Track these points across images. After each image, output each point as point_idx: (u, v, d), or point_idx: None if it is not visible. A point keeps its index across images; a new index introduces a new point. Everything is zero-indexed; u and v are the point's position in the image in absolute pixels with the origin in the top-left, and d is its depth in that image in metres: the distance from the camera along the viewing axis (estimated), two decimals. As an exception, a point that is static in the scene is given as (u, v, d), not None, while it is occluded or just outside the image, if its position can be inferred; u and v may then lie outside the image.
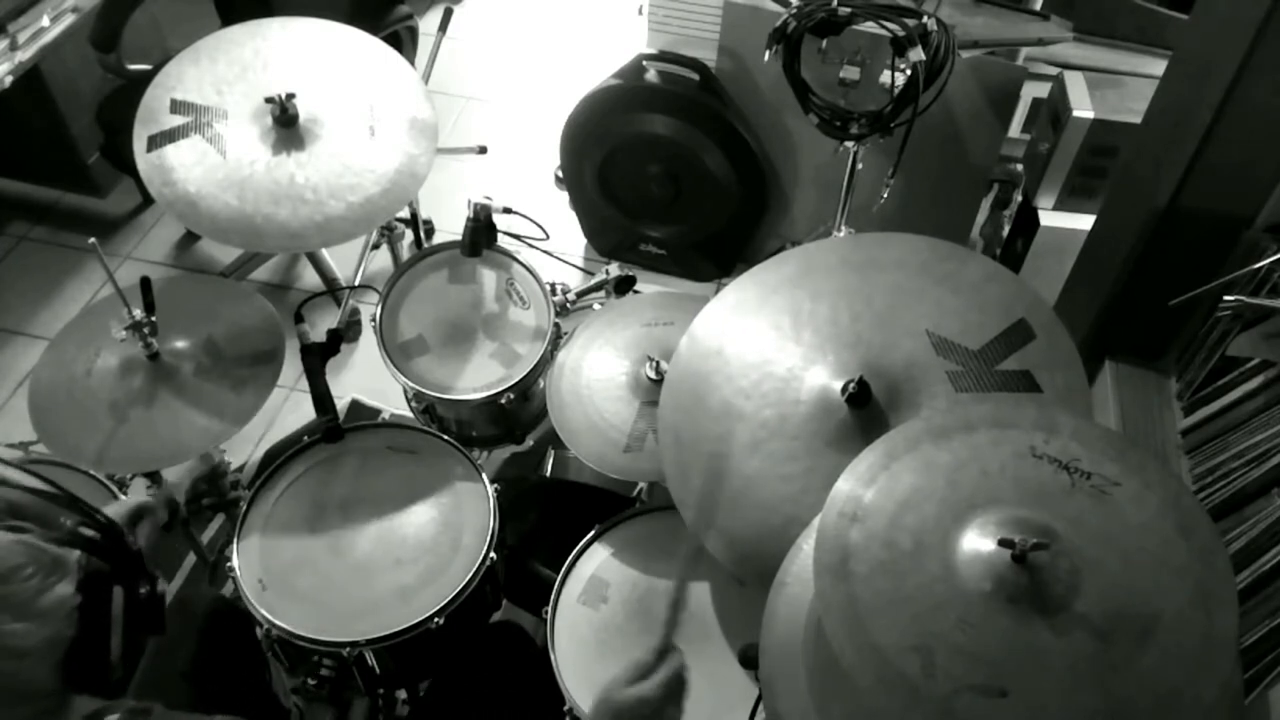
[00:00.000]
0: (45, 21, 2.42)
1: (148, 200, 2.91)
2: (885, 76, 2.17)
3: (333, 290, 2.61)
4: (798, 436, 1.20)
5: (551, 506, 1.87)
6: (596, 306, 1.83)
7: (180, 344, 1.57)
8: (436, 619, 1.42)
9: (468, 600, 1.45)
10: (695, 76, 2.47)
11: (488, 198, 1.78)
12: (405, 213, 2.24)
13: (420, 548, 1.51)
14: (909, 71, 1.87)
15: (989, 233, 2.68)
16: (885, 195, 2.15)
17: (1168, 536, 0.92)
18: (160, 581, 0.95)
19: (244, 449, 2.30)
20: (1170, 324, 1.85)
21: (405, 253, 2.47)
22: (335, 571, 1.48)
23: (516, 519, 1.67)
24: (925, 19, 1.88)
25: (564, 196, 2.87)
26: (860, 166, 2.16)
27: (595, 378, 1.63)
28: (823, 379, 1.22)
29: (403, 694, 1.67)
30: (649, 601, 1.46)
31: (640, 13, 2.57)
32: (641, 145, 2.56)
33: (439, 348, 1.77)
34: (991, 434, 1.00)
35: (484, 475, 1.58)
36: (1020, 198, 2.47)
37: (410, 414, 1.88)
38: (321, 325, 2.35)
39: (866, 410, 1.19)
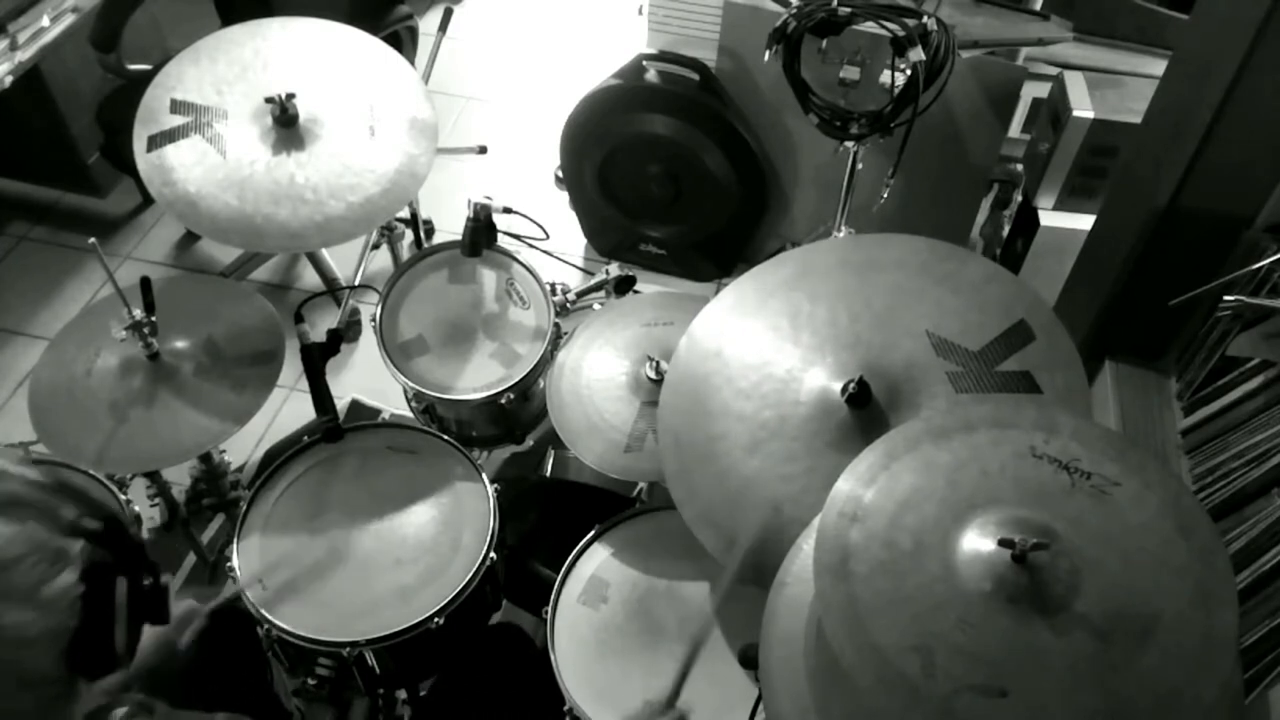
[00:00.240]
0: (45, 21, 2.42)
1: (148, 200, 2.91)
2: (885, 76, 2.16)
3: (333, 290, 2.61)
4: (798, 437, 1.21)
5: (551, 506, 1.87)
6: (596, 306, 1.83)
7: (180, 344, 1.57)
8: (436, 619, 1.42)
9: (468, 600, 1.45)
10: (695, 76, 2.47)
11: (488, 198, 1.78)
12: (405, 213, 2.24)
13: (420, 548, 1.51)
14: (909, 71, 1.87)
15: (989, 233, 2.68)
16: (885, 195, 2.15)
17: (1168, 536, 0.92)
18: (164, 575, 0.95)
19: (244, 449, 2.30)
20: (1170, 324, 1.85)
21: (405, 253, 2.47)
22: (335, 571, 1.48)
23: (516, 519, 1.67)
24: (925, 19, 1.88)
25: (564, 196, 2.86)
26: (860, 166, 2.16)
27: (595, 378, 1.63)
28: (822, 379, 1.22)
29: (403, 694, 1.67)
30: (649, 601, 1.46)
31: (640, 13, 2.57)
32: (641, 145, 2.56)
33: (439, 348, 1.77)
34: (991, 434, 1.00)
35: (484, 475, 1.58)
36: (1020, 198, 2.47)
37: (410, 414, 1.88)
38: (321, 325, 2.35)
39: (866, 411, 1.19)
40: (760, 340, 1.27)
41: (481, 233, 1.80)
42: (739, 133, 2.49)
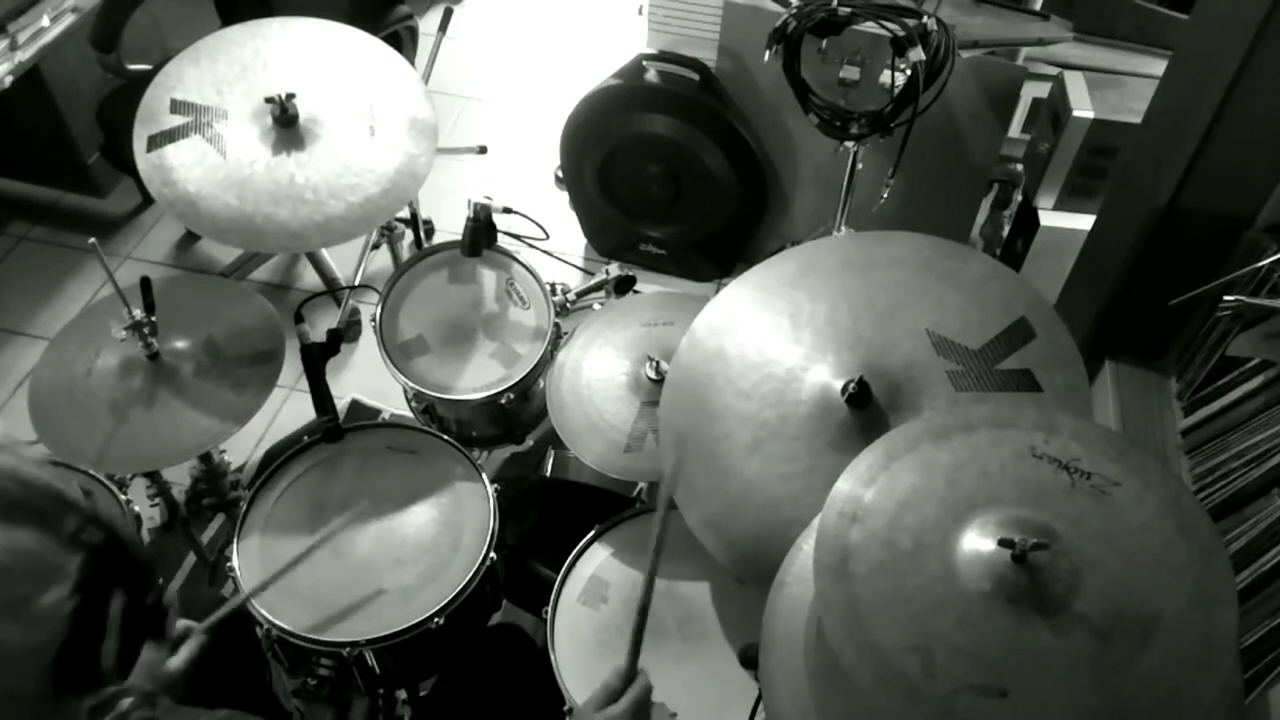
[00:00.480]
0: (45, 21, 2.42)
1: (148, 200, 2.91)
2: (885, 76, 2.16)
3: (333, 290, 2.61)
4: (798, 437, 1.20)
5: (551, 506, 1.87)
6: (596, 306, 1.83)
7: (180, 344, 1.57)
8: (436, 619, 1.42)
9: (468, 600, 1.45)
10: (695, 76, 2.47)
11: (488, 198, 1.78)
12: (405, 213, 2.24)
13: (420, 548, 1.50)
14: (909, 71, 1.87)
15: (989, 233, 2.69)
16: (885, 195, 2.15)
17: (1168, 536, 0.92)
18: (168, 593, 0.93)
19: (244, 449, 2.30)
20: (1170, 324, 1.85)
21: (405, 253, 2.47)
22: (335, 571, 1.48)
23: (516, 519, 1.67)
24: (925, 19, 1.88)
25: (564, 196, 2.87)
26: (860, 166, 2.16)
27: (595, 378, 1.63)
28: (823, 379, 1.22)
29: (403, 694, 1.67)
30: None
31: (640, 13, 2.57)
32: (641, 145, 2.56)
33: (439, 348, 1.77)
34: (992, 434, 1.00)
35: (484, 475, 1.58)
36: (1020, 198, 2.47)
37: (410, 414, 1.88)
38: (321, 325, 2.35)
39: (867, 410, 1.19)
40: (761, 340, 1.27)
41: (481, 233, 1.80)
42: (739, 133, 2.49)
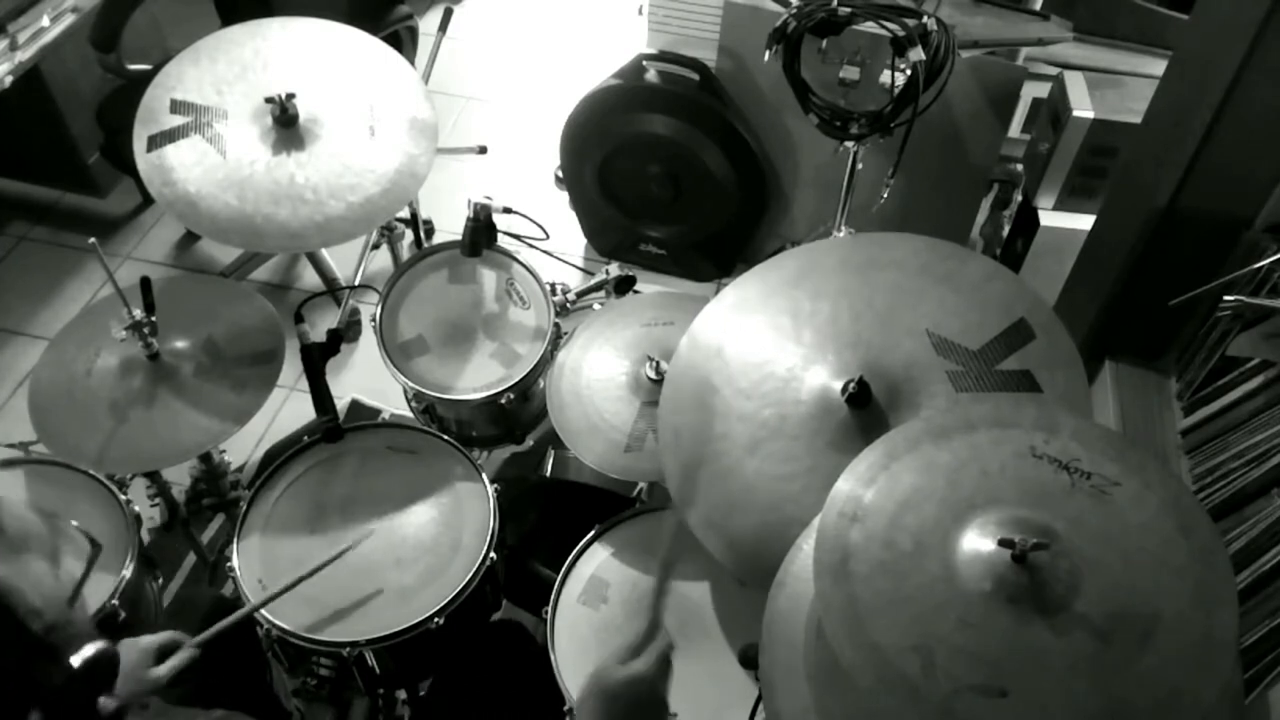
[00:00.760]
0: (45, 21, 2.42)
1: (148, 200, 2.91)
2: (885, 76, 2.17)
3: (333, 290, 2.61)
4: (798, 436, 1.20)
5: (551, 506, 1.87)
6: (596, 306, 1.83)
7: (180, 344, 1.57)
8: (436, 619, 1.42)
9: (468, 600, 1.45)
10: (695, 76, 2.47)
11: (488, 198, 1.78)
12: (405, 213, 2.24)
13: (420, 548, 1.50)
14: (909, 71, 1.87)
15: (989, 233, 2.69)
16: (885, 195, 2.15)
17: (1168, 536, 0.92)
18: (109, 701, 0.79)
19: (244, 449, 2.30)
20: (1170, 324, 1.85)
21: (405, 253, 2.47)
22: (335, 571, 1.47)
23: (516, 519, 1.67)
24: (925, 19, 1.88)
25: (564, 196, 2.86)
26: (860, 166, 2.16)
27: (595, 378, 1.63)
28: (823, 379, 1.22)
29: (403, 694, 1.67)
30: (649, 601, 1.45)
31: (640, 13, 2.57)
32: (641, 145, 2.56)
33: (439, 348, 1.77)
34: (992, 434, 1.00)
35: (484, 475, 1.58)
36: (1020, 198, 2.47)
37: (410, 414, 1.88)
38: (321, 325, 2.35)
39: (866, 410, 1.19)
40: (761, 340, 1.27)
41: (481, 233, 1.80)
42: (739, 133, 2.49)
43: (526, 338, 1.77)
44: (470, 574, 1.46)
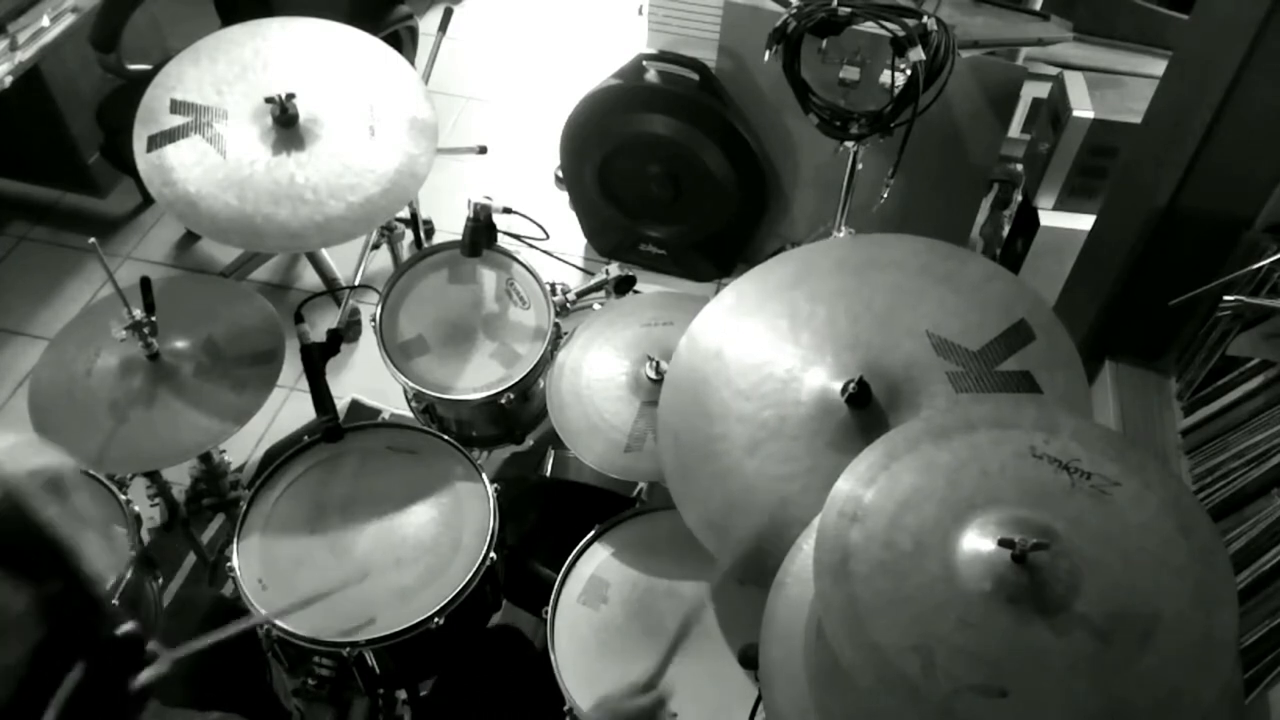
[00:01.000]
0: (45, 21, 2.42)
1: (148, 200, 2.91)
2: (885, 76, 2.17)
3: (333, 290, 2.61)
4: (798, 437, 1.20)
5: (551, 506, 1.87)
6: (596, 306, 1.83)
7: (180, 344, 1.57)
8: (436, 619, 1.42)
9: (468, 600, 1.45)
10: (695, 76, 2.47)
11: (488, 198, 1.78)
12: (405, 213, 2.24)
13: (420, 548, 1.50)
14: (909, 71, 1.87)
15: (989, 233, 2.69)
16: (885, 195, 2.15)
17: (1168, 536, 0.92)
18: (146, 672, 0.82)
19: (244, 449, 2.30)
20: (1170, 324, 1.85)
21: (405, 253, 2.47)
22: (335, 571, 1.48)
23: (516, 519, 1.67)
24: (925, 19, 1.88)
25: (564, 196, 2.86)
26: (860, 166, 2.16)
27: (595, 378, 1.63)
28: (822, 379, 1.22)
29: (403, 694, 1.67)
30: (649, 601, 1.46)
31: (640, 13, 2.57)
32: (641, 145, 2.56)
33: (439, 348, 1.77)
34: (992, 434, 1.00)
35: (484, 475, 1.58)
36: (1020, 198, 2.47)
37: (410, 414, 1.88)
38: (321, 325, 2.35)
39: (866, 411, 1.19)
40: (760, 340, 1.27)
41: (481, 233, 1.80)
42: (739, 133, 2.49)
43: (526, 338, 1.77)
44: (470, 574, 1.46)
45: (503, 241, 1.86)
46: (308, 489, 1.57)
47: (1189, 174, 1.68)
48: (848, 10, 1.90)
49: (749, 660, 1.30)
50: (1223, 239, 1.69)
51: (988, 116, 2.35)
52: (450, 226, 2.48)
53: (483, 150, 2.36)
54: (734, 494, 1.21)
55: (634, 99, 2.52)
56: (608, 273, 1.93)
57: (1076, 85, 2.23)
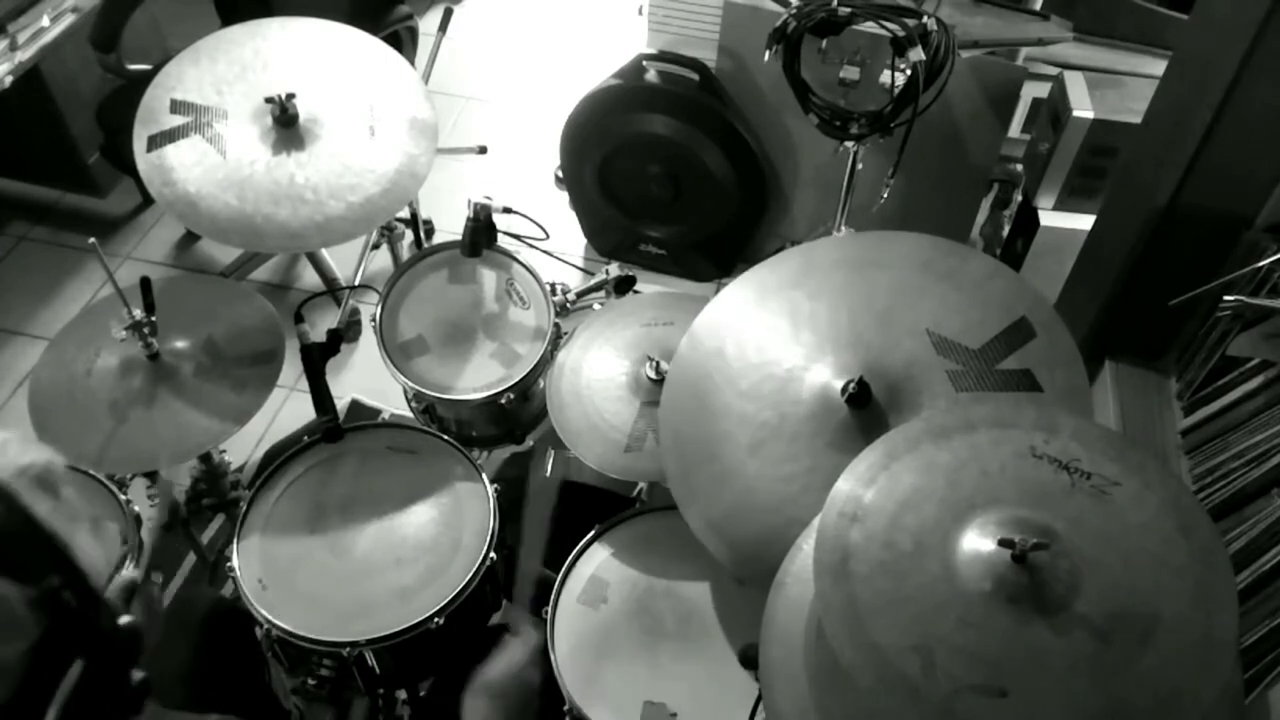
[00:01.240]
0: (45, 21, 2.42)
1: (148, 200, 2.91)
2: (885, 76, 2.16)
3: (333, 290, 2.61)
4: (798, 437, 1.20)
5: (551, 506, 1.86)
6: (596, 306, 1.83)
7: (180, 344, 1.57)
8: (436, 619, 1.42)
9: (468, 600, 1.45)
10: (695, 76, 2.47)
11: (488, 198, 1.78)
12: (405, 213, 2.24)
13: (420, 548, 1.50)
14: (909, 71, 1.87)
15: (989, 233, 2.69)
16: (885, 195, 2.15)
17: (1168, 536, 0.92)
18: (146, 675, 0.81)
19: (244, 449, 2.30)
20: (1170, 324, 1.85)
21: (405, 253, 2.47)
22: (335, 571, 1.48)
23: (516, 519, 1.67)
24: (925, 19, 1.88)
25: (564, 196, 2.86)
26: (860, 166, 2.16)
27: (595, 378, 1.63)
28: (823, 379, 1.22)
29: (403, 694, 1.67)
30: (649, 601, 1.46)
31: (640, 13, 2.57)
32: (641, 145, 2.56)
33: (439, 348, 1.77)
34: (992, 434, 1.00)
35: (484, 475, 1.58)
36: (1020, 198, 2.47)
37: (410, 414, 1.88)
38: (321, 325, 2.35)
39: (867, 410, 1.19)
40: (761, 340, 1.27)
41: (481, 233, 1.79)
42: (739, 133, 2.49)
43: (526, 338, 1.77)
44: (470, 574, 1.46)
45: (503, 241, 1.86)
46: (308, 489, 1.57)
47: (1189, 174, 1.68)
48: (848, 10, 1.90)
49: (749, 660, 1.30)
50: (1223, 239, 1.69)
51: (988, 116, 2.35)
52: (450, 226, 2.48)
53: (483, 150, 2.36)
54: (735, 494, 1.21)
55: (634, 99, 2.52)
56: (608, 273, 1.93)
57: (1076, 85, 2.23)
